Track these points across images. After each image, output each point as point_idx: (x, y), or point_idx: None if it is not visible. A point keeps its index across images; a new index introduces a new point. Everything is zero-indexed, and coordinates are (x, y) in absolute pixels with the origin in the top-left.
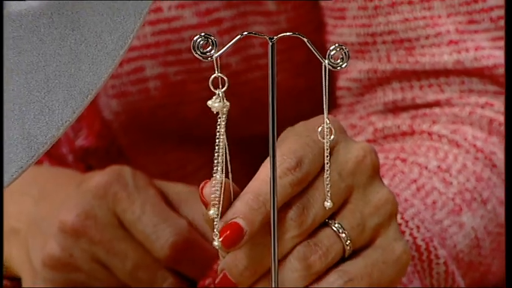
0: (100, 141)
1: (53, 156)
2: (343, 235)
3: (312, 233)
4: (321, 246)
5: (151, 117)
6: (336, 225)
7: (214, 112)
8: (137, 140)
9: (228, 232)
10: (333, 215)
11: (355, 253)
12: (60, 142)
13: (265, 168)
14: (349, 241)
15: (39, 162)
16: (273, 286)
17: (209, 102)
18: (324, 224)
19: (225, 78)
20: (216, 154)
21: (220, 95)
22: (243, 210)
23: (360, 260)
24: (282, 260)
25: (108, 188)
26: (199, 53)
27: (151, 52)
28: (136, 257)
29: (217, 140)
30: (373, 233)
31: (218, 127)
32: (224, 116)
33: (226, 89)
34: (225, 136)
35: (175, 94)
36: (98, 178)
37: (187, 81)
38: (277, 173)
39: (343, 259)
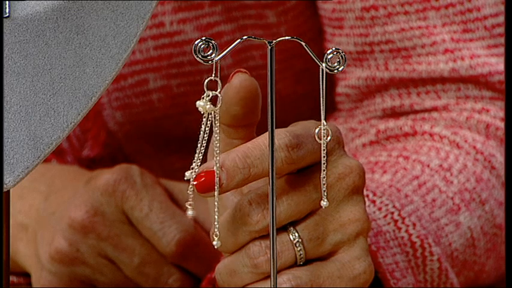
0: (105, 151)
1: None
2: (298, 244)
3: (269, 235)
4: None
5: (155, 126)
6: (294, 234)
7: (202, 112)
8: (141, 146)
9: (203, 179)
10: (297, 222)
11: (312, 261)
12: (65, 152)
13: (264, 137)
14: (302, 251)
15: (47, 160)
16: (272, 286)
17: (201, 103)
18: (283, 229)
19: (220, 82)
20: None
21: (209, 96)
22: (226, 164)
23: (314, 269)
24: (236, 251)
25: (116, 186)
26: (200, 56)
27: (154, 65)
28: (143, 253)
29: (200, 141)
30: (334, 248)
31: (203, 126)
32: (210, 116)
33: (217, 93)
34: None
35: (179, 105)
36: (106, 176)
37: (190, 92)
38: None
39: (297, 265)
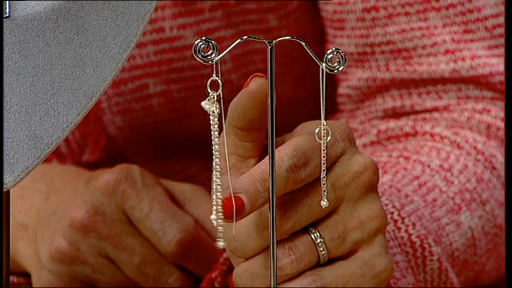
0: (105, 155)
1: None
2: (320, 244)
3: (291, 236)
4: (295, 251)
5: (155, 131)
6: (316, 233)
7: (208, 113)
8: (141, 151)
9: (229, 204)
10: (317, 222)
11: (334, 261)
12: (65, 156)
13: (276, 157)
14: (325, 251)
15: (47, 160)
16: (272, 286)
17: (203, 103)
18: (305, 230)
19: (221, 82)
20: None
21: (214, 97)
22: (248, 189)
23: (337, 268)
24: (255, 255)
25: (117, 186)
26: (200, 56)
27: (154, 70)
28: (144, 253)
29: (213, 143)
30: (354, 246)
31: (211, 127)
32: (215, 117)
33: (220, 92)
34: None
35: (179, 110)
36: (107, 176)
37: (190, 97)
38: (284, 166)
39: (320, 265)
